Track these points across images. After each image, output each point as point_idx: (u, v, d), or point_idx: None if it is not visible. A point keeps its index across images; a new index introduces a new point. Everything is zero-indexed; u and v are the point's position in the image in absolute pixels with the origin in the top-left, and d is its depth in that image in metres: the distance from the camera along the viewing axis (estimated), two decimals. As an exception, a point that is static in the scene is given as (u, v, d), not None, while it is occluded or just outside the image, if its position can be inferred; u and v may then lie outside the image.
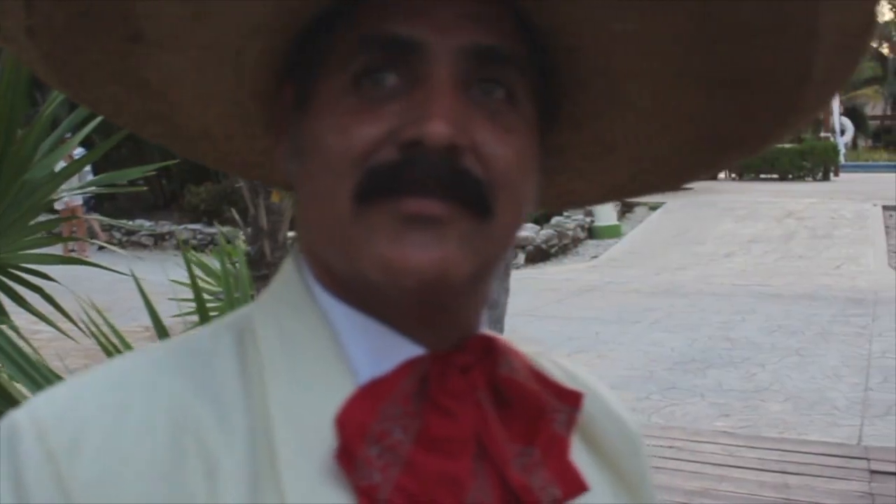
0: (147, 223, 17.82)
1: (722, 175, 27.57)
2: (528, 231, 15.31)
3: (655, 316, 10.36)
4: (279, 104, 0.75)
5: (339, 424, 0.65)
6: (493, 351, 0.74)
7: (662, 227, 17.88)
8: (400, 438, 0.66)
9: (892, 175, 27.89)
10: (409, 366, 0.69)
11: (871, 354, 8.38)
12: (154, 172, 3.33)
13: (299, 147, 0.71)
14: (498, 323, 4.90)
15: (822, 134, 29.09)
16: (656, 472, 5.33)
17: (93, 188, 4.06)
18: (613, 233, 17.22)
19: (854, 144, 45.87)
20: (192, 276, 2.45)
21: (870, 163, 37.20)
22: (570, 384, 0.81)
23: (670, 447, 5.75)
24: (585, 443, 0.82)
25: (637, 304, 11.05)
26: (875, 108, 51.67)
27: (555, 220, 16.64)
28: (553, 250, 15.65)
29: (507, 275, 4.91)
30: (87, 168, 11.71)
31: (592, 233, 17.21)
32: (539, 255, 15.19)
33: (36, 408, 0.65)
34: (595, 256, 15.61)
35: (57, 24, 0.68)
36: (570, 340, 9.10)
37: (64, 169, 3.27)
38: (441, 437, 0.67)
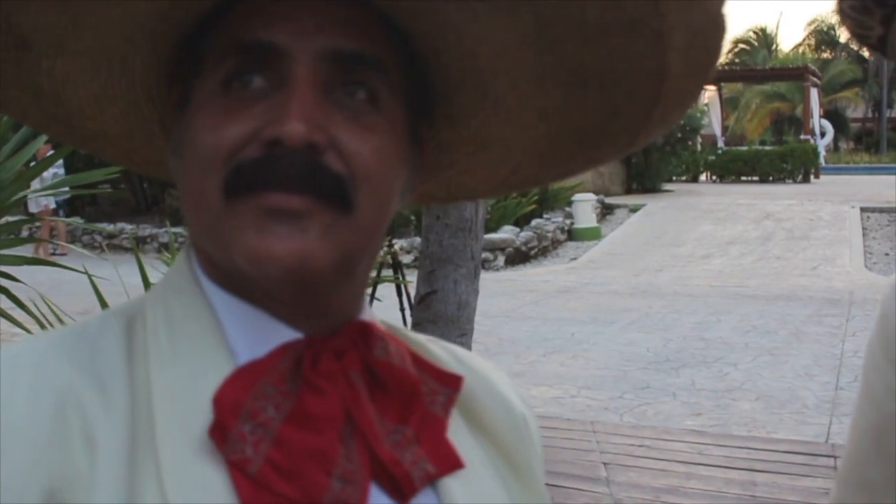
0: (128, 227, 17.80)
1: (703, 178, 27.74)
2: (507, 233, 15.37)
3: (632, 317, 10.43)
4: (168, 105, 0.80)
5: (215, 402, 0.70)
6: (369, 336, 0.78)
7: (642, 229, 17.97)
8: (272, 416, 0.71)
9: (872, 177, 28.14)
10: (284, 349, 0.74)
11: (843, 354, 8.46)
12: (117, 175, 3.37)
13: (179, 144, 0.76)
14: (468, 322, 4.97)
15: (802, 136, 29.27)
16: (626, 469, 5.40)
17: (62, 189, 4.10)
18: (593, 235, 17.28)
19: (836, 147, 46.15)
20: (145, 277, 2.49)
21: (850, 165, 37.45)
22: (458, 369, 0.86)
23: (640, 445, 5.81)
24: (469, 423, 0.86)
25: (614, 306, 11.12)
26: (856, 110, 52.01)
27: (534, 222, 16.71)
28: (533, 252, 15.71)
29: (476, 276, 4.97)
30: (62, 172, 11.70)
31: (572, 235, 17.27)
32: (518, 257, 15.24)
33: None
34: (574, 258, 15.67)
35: None
36: (545, 341, 9.16)
37: (30, 170, 3.31)
38: (311, 415, 0.72)
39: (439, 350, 0.90)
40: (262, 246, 0.69)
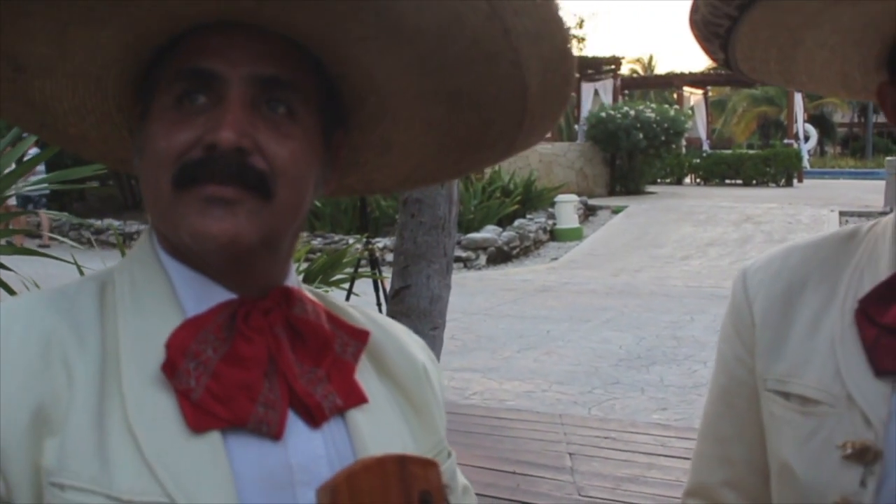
0: (115, 223, 17.96)
1: (687, 180, 27.98)
2: (490, 233, 15.58)
3: (607, 315, 10.65)
4: (134, 116, 1.02)
5: (167, 345, 0.92)
6: (290, 298, 1.01)
7: (623, 230, 18.19)
8: (211, 356, 0.93)
9: (855, 181, 28.42)
10: (221, 306, 0.96)
11: (809, 353, 8.66)
12: (104, 171, 3.56)
13: (140, 147, 0.98)
14: (440, 316, 5.14)
15: (786, 140, 29.54)
16: (590, 460, 5.60)
17: (43, 186, 4.29)
18: (575, 235, 17.49)
19: (822, 151, 46.45)
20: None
21: (834, 169, 37.73)
22: (370, 327, 1.09)
23: (606, 437, 6.01)
24: (378, 370, 1.09)
25: (591, 305, 11.34)
26: (843, 115, 52.38)
27: (517, 222, 16.89)
28: (514, 252, 15.90)
29: (448, 272, 5.16)
30: (41, 169, 11.86)
31: (554, 235, 17.46)
32: (500, 257, 15.44)
33: None
34: (555, 258, 15.87)
35: None
36: (520, 338, 9.40)
37: (16, 170, 3.52)
38: (241, 356, 0.94)
39: (357, 313, 1.13)
40: (202, 226, 0.91)
